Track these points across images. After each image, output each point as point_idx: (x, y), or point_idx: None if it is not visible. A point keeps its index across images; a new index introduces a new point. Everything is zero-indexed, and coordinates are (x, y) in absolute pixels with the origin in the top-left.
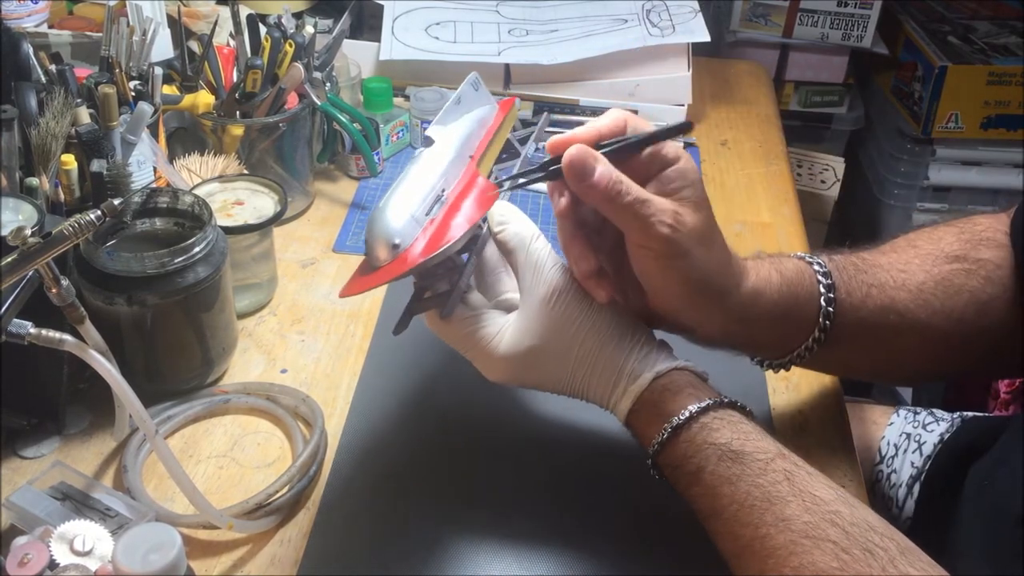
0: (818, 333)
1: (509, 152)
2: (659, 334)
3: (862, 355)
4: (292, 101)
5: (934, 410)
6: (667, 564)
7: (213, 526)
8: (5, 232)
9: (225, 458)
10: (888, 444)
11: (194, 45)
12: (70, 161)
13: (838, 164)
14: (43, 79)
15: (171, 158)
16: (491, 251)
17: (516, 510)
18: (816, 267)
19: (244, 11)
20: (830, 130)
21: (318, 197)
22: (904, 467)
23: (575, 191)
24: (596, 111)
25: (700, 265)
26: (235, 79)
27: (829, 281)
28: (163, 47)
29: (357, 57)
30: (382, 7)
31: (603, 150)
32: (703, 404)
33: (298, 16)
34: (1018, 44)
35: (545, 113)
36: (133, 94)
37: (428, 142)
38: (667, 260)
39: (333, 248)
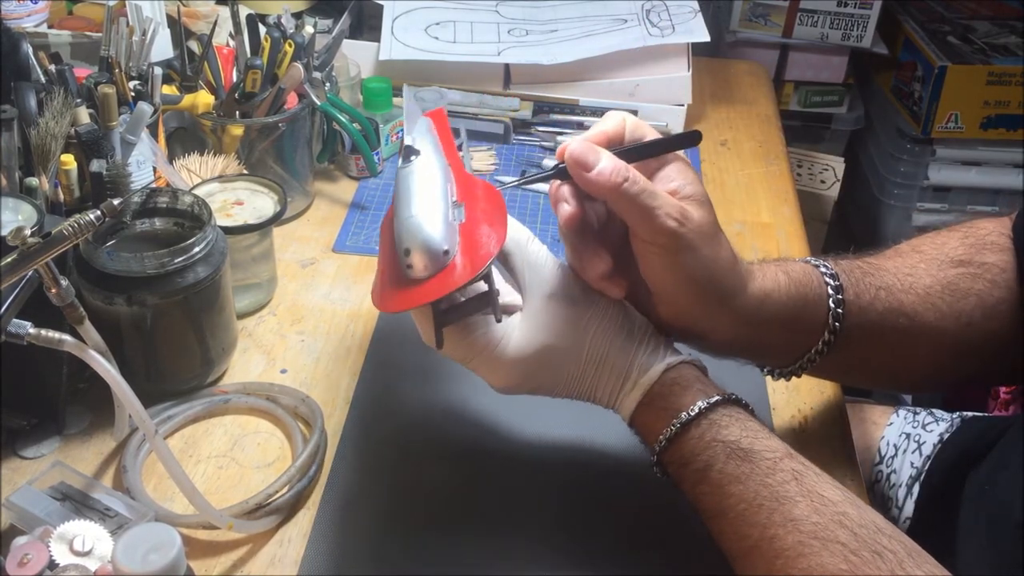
0: (828, 336)
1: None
2: None
3: (870, 361)
4: (292, 101)
5: (934, 410)
6: (667, 565)
7: (213, 526)
8: (5, 232)
9: (225, 458)
10: (888, 444)
11: (194, 45)
12: (70, 161)
13: (838, 164)
14: (43, 79)
15: (171, 158)
16: None
17: (516, 509)
18: (823, 269)
19: (244, 11)
20: (830, 130)
21: (318, 197)
22: (904, 467)
23: (581, 184)
24: (596, 111)
25: (706, 263)
26: (235, 79)
27: (837, 283)
28: (163, 47)
29: (357, 57)
30: (382, 7)
31: (612, 152)
32: (712, 400)
33: (298, 16)
34: (1018, 44)
35: (463, 129)
36: (133, 94)
37: (414, 152)
38: (673, 256)
39: (333, 248)
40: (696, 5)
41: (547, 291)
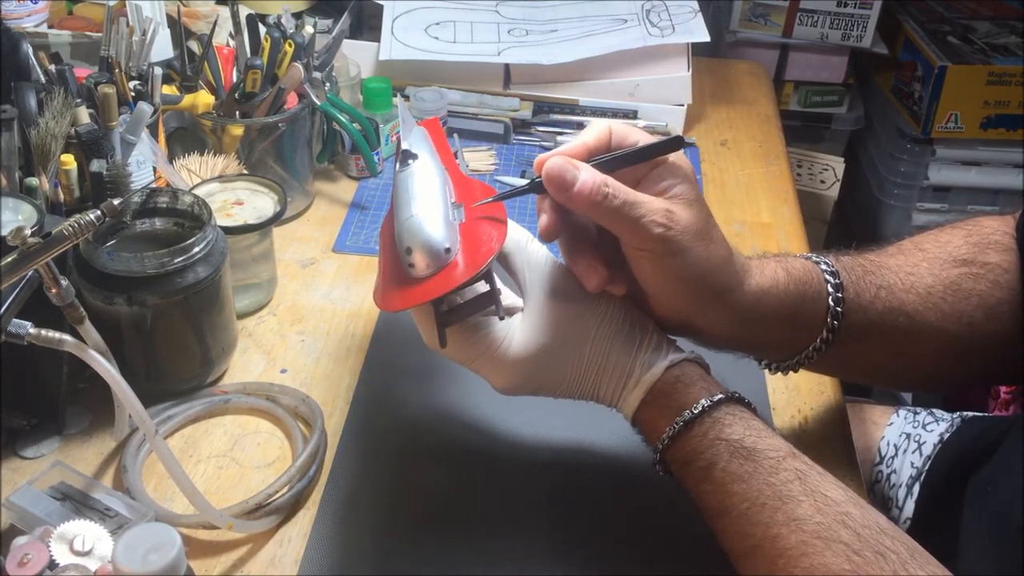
0: (826, 333)
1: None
2: None
3: (870, 358)
4: (292, 101)
5: (934, 410)
6: (667, 565)
7: (213, 526)
8: (5, 232)
9: (225, 458)
10: (888, 444)
11: (194, 45)
12: (70, 161)
13: (838, 164)
14: (43, 79)
15: (171, 158)
16: None
17: (516, 509)
18: (823, 267)
19: (244, 11)
20: (830, 130)
21: (318, 197)
22: (904, 467)
23: (562, 202)
24: (596, 111)
25: (698, 262)
26: (235, 79)
27: (837, 281)
28: (163, 47)
29: (357, 57)
30: (382, 7)
31: (592, 163)
32: (715, 398)
33: (298, 16)
34: (1018, 44)
35: (455, 136)
36: (133, 94)
37: (411, 156)
38: (664, 260)
39: (333, 248)
40: (696, 5)
41: (548, 291)
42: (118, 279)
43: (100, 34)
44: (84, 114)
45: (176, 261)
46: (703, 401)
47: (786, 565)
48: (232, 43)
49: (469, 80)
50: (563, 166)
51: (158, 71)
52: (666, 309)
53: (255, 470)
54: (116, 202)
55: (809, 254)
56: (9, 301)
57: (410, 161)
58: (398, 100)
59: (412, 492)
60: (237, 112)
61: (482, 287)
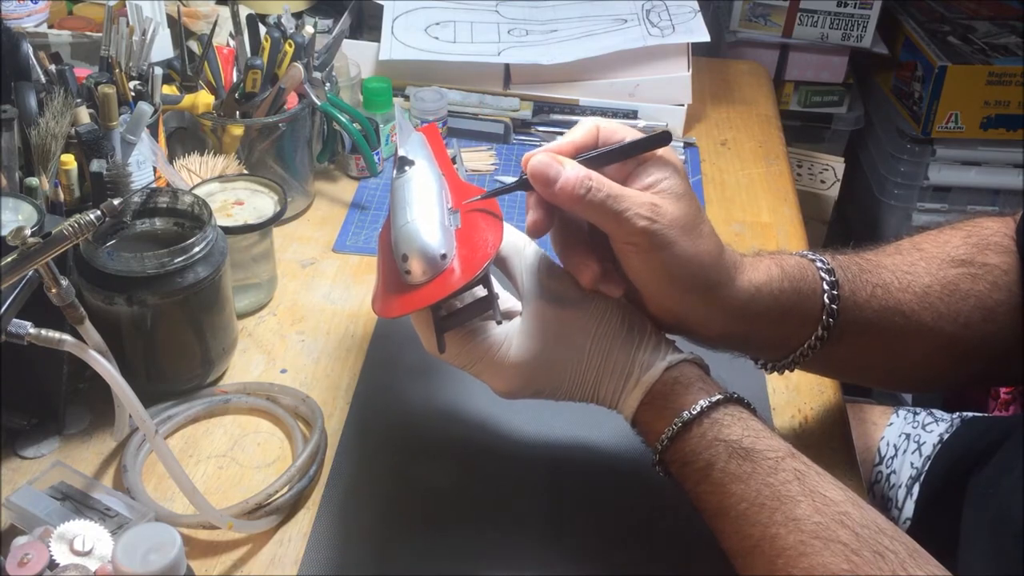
0: (821, 331)
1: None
2: None
3: (865, 357)
4: (292, 101)
5: (934, 410)
6: (668, 565)
7: (213, 526)
8: (5, 232)
9: (225, 458)
10: (887, 445)
11: (194, 45)
12: (70, 161)
13: (838, 164)
14: (43, 79)
15: (171, 158)
16: None
17: (516, 510)
18: (819, 264)
19: (244, 11)
20: (830, 130)
21: (318, 197)
22: (903, 468)
23: (546, 198)
24: (596, 111)
25: (686, 256)
26: (235, 79)
27: (833, 279)
28: (163, 47)
29: (357, 57)
30: (382, 7)
31: (579, 160)
32: (714, 399)
33: (298, 16)
34: (1018, 44)
35: (454, 142)
36: (133, 94)
37: (408, 162)
38: (650, 254)
39: (333, 248)
40: (696, 5)
41: (546, 294)
42: (118, 279)
43: (100, 34)
44: (84, 114)
45: (176, 261)
46: (702, 402)
47: (785, 565)
48: (232, 43)
49: (469, 80)
50: (547, 162)
51: (158, 71)
52: (658, 307)
53: (255, 470)
54: (116, 202)
55: (805, 252)
56: (9, 301)
57: (406, 168)
58: (397, 107)
59: (412, 492)
60: (237, 112)
61: (480, 292)
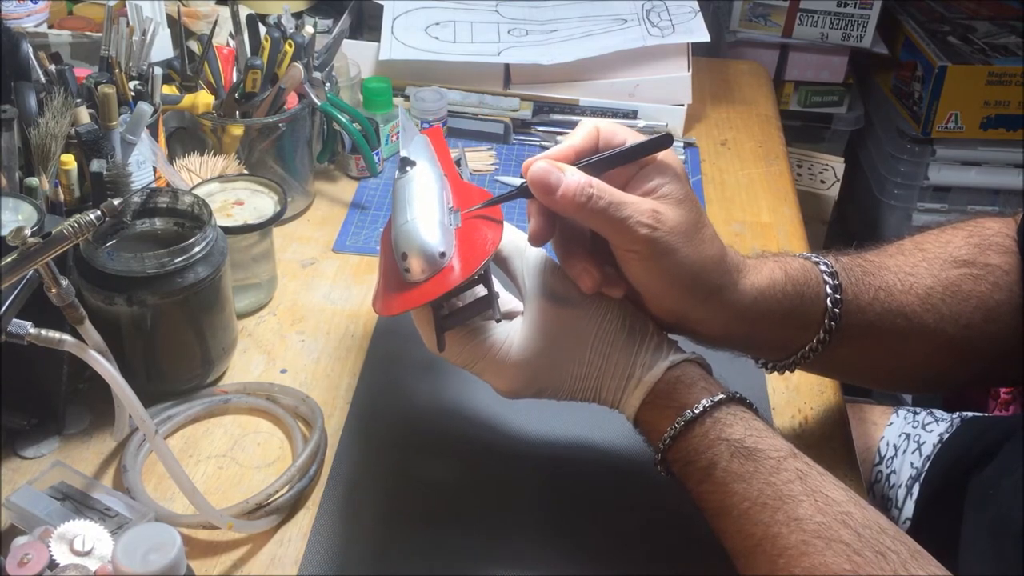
0: (823, 334)
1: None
2: None
3: (866, 359)
4: (292, 101)
5: (934, 410)
6: (668, 564)
7: (213, 526)
8: (5, 232)
9: (225, 458)
10: (887, 444)
11: (194, 45)
12: (70, 161)
13: (838, 164)
14: (43, 79)
15: (171, 158)
16: None
17: (517, 509)
18: (823, 267)
19: (244, 11)
20: (830, 130)
21: (318, 197)
22: (903, 468)
23: (548, 206)
24: (596, 111)
25: (688, 262)
26: (235, 79)
27: (836, 282)
28: (163, 47)
29: (357, 57)
30: (382, 7)
31: (579, 165)
32: (716, 398)
33: (298, 16)
34: (1018, 44)
35: (460, 144)
36: (133, 94)
37: (410, 163)
38: (651, 261)
39: (333, 248)
40: (696, 5)
41: (547, 294)
42: (118, 279)
43: (100, 34)
44: (84, 114)
45: (176, 261)
46: (704, 401)
47: (786, 565)
48: (232, 43)
49: (469, 80)
50: (547, 169)
51: (158, 71)
52: (659, 308)
53: (255, 470)
54: (116, 202)
55: (808, 254)
56: (9, 301)
57: (408, 168)
58: (400, 108)
59: (412, 491)
60: (237, 112)
61: (481, 291)
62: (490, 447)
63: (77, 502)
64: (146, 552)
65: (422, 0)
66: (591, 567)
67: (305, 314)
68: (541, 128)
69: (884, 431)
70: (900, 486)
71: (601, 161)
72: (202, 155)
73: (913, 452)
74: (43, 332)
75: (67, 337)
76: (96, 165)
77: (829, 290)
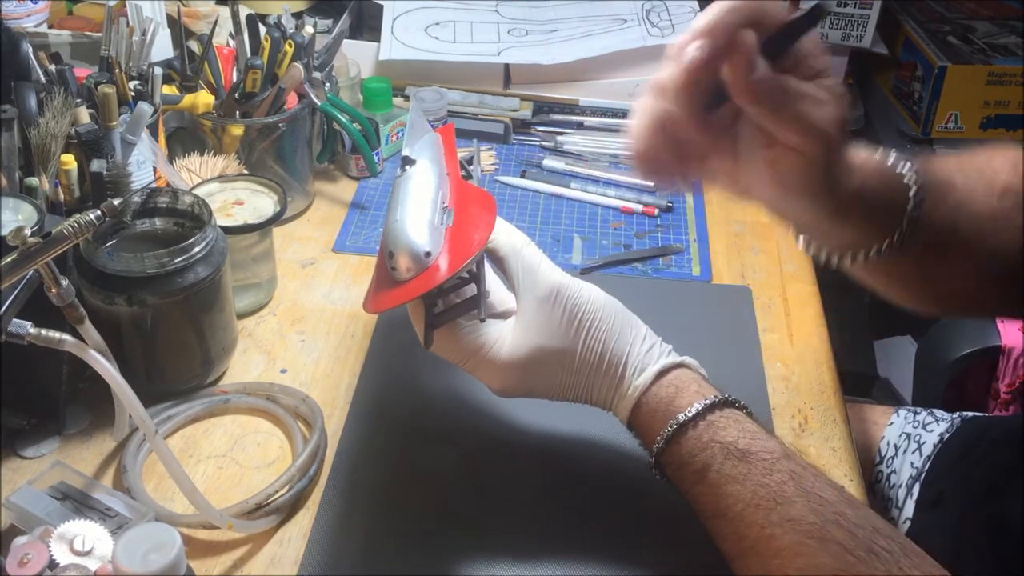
0: (905, 227)
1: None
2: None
3: (927, 271)
4: (292, 101)
5: (934, 410)
6: (666, 564)
7: (213, 526)
8: (5, 232)
9: (225, 458)
10: (888, 444)
11: (194, 45)
12: (70, 161)
13: None
14: (43, 79)
15: (171, 158)
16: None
17: (516, 509)
18: (909, 177)
19: (244, 11)
20: None
21: (318, 197)
22: (904, 467)
23: (738, 87)
24: (596, 111)
25: (841, 164)
26: (235, 79)
27: (919, 195)
28: (163, 47)
29: (357, 57)
30: (382, 7)
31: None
32: (709, 401)
33: (298, 16)
34: (1018, 44)
35: (475, 141)
36: (133, 94)
37: (409, 161)
38: (810, 161)
39: (333, 248)
40: (696, 5)
41: (540, 295)
42: (118, 279)
43: (100, 34)
44: (84, 114)
45: (176, 261)
46: (697, 404)
47: (781, 566)
48: (232, 43)
49: (469, 80)
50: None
51: (158, 71)
52: (767, 193)
53: (255, 470)
54: (116, 202)
55: (895, 158)
56: (9, 301)
57: (407, 167)
58: (413, 105)
59: (412, 491)
60: (237, 112)
61: (472, 289)
62: (490, 447)
63: (77, 502)
64: (146, 552)
65: (422, 0)
66: (593, 567)
67: (305, 314)
68: (541, 128)
69: (885, 431)
70: (901, 486)
71: (781, 37)
72: (202, 155)
73: (914, 452)
74: (43, 332)
75: (67, 337)
76: (96, 165)
77: (911, 197)
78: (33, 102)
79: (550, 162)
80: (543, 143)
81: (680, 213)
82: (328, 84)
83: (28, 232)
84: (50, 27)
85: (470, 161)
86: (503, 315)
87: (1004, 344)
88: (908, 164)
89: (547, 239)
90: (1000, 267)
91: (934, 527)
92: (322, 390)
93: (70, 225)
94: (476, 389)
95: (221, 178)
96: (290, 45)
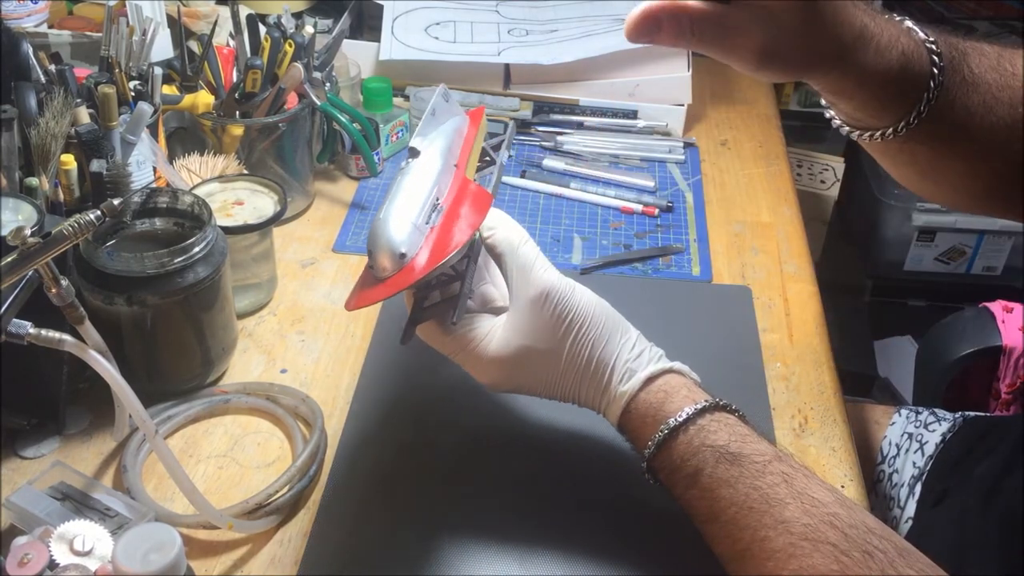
0: (925, 103)
1: (484, 160)
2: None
3: (943, 159)
4: (292, 101)
5: (936, 410)
6: (666, 564)
7: (213, 526)
8: (5, 232)
9: (225, 458)
10: (890, 444)
11: (194, 45)
12: (70, 161)
13: (838, 164)
14: (43, 79)
15: (171, 158)
16: (479, 261)
17: (516, 509)
18: (935, 58)
19: (244, 11)
20: (830, 130)
21: (318, 197)
22: (906, 467)
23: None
24: (596, 111)
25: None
26: (235, 79)
27: (941, 78)
28: (163, 47)
29: (357, 57)
30: (382, 7)
31: None
32: (700, 406)
33: (298, 16)
34: (1018, 44)
35: (512, 122)
36: (133, 94)
37: (414, 153)
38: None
39: (333, 248)
40: None
41: (531, 294)
42: (118, 279)
43: (100, 34)
44: (84, 114)
45: (176, 261)
46: (687, 409)
47: (775, 567)
48: (232, 43)
49: (469, 80)
50: None
51: (158, 71)
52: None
53: (255, 470)
54: (116, 202)
55: (922, 35)
56: (9, 301)
57: (410, 159)
58: (440, 88)
59: (412, 491)
60: (237, 112)
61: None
62: (490, 447)
63: (77, 502)
64: (146, 552)
65: (422, 0)
66: (596, 566)
67: (305, 314)
68: (541, 128)
69: (887, 431)
70: (903, 485)
71: None
72: (202, 155)
73: (915, 452)
74: (43, 332)
75: (67, 337)
76: (96, 165)
77: (934, 74)
78: (33, 102)
79: (550, 162)
80: (543, 143)
81: (680, 213)
82: (328, 84)
83: (28, 232)
84: (50, 27)
85: (497, 147)
86: (499, 310)
87: (1005, 344)
88: (940, 52)
89: (547, 239)
90: (1012, 174)
91: (937, 526)
92: (322, 390)
93: (70, 225)
94: (477, 389)
95: (221, 178)
96: (290, 45)
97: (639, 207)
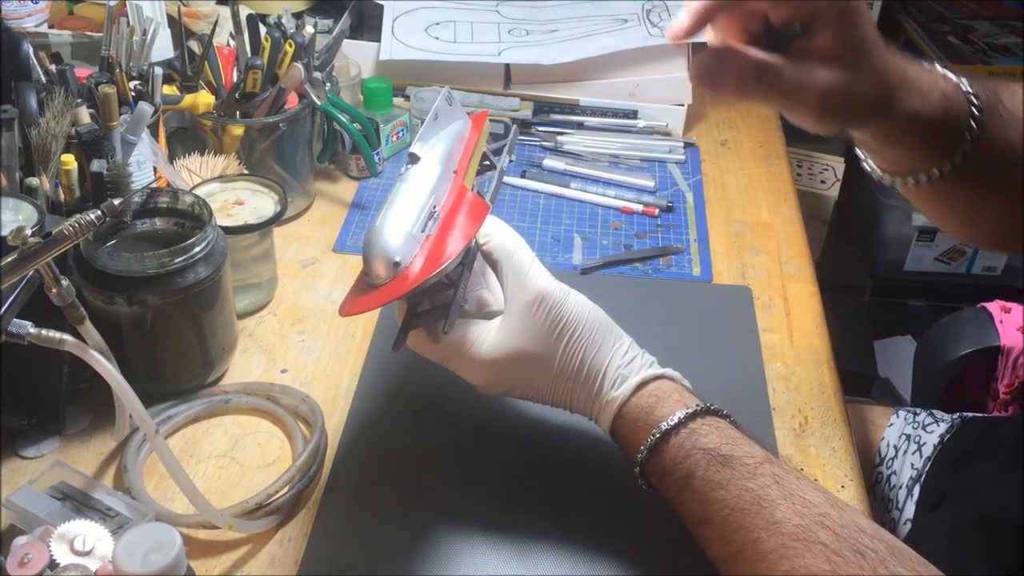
0: (970, 142)
1: (484, 165)
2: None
3: (982, 201)
4: (292, 101)
5: (934, 411)
6: (666, 562)
7: (213, 526)
8: (5, 232)
9: (225, 458)
10: (888, 445)
11: (194, 45)
12: (70, 161)
13: (838, 164)
14: (43, 79)
15: (171, 158)
16: (475, 266)
17: (516, 509)
18: (972, 99)
19: (244, 11)
20: None
21: (318, 197)
22: (904, 468)
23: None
24: (596, 111)
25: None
26: (235, 79)
27: (980, 104)
28: (163, 47)
29: (357, 57)
30: (382, 7)
31: None
32: (691, 409)
33: (298, 16)
34: (1018, 44)
35: (514, 126)
36: (133, 94)
37: (414, 159)
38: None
39: (333, 248)
40: None
41: (526, 299)
42: (118, 279)
43: (100, 34)
44: (84, 114)
45: (176, 261)
46: (679, 413)
47: (768, 568)
48: (232, 43)
49: (469, 80)
50: None
51: (158, 71)
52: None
53: (255, 470)
54: (116, 202)
55: (958, 81)
56: (9, 301)
57: (409, 165)
58: (444, 91)
59: (412, 492)
60: (237, 112)
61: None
62: (490, 447)
63: (77, 502)
64: (146, 552)
65: (422, 0)
66: (596, 565)
67: (305, 314)
68: (541, 128)
69: (885, 432)
70: (901, 487)
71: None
72: (202, 155)
73: (914, 453)
74: (43, 332)
75: (67, 337)
76: (96, 165)
77: (973, 117)
78: (33, 102)
79: (550, 162)
80: (543, 143)
81: (680, 213)
82: (328, 84)
83: (28, 232)
84: (50, 27)
85: (498, 152)
86: (494, 315)
87: (1003, 344)
88: (975, 93)
89: (547, 239)
90: None
91: (935, 528)
92: (322, 390)
93: (70, 225)
94: (476, 391)
95: (221, 178)
96: (290, 45)
97: (639, 207)
